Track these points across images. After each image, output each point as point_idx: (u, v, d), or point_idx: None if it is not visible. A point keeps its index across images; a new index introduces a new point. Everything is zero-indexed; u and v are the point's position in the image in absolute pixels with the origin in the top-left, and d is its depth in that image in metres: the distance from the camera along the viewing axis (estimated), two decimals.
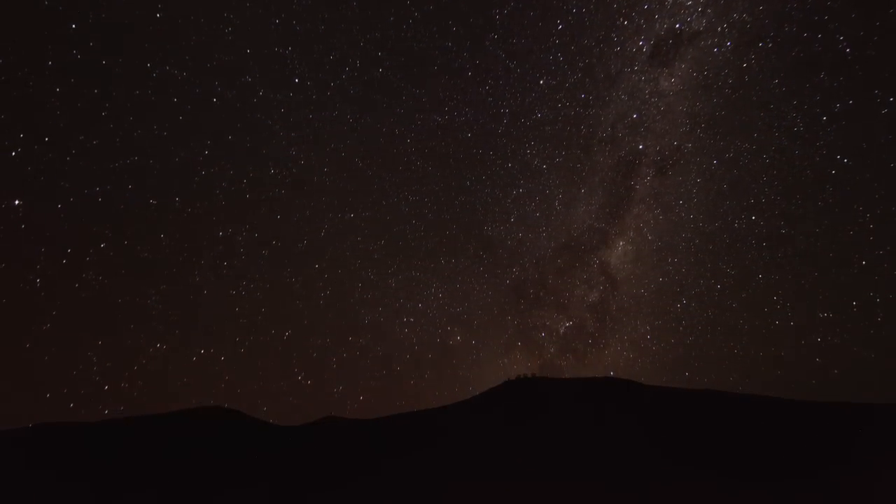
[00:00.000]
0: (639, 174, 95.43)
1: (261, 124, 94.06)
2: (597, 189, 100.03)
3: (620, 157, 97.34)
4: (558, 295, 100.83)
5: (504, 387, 36.88)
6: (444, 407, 36.55)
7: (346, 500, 23.78)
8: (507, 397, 34.05)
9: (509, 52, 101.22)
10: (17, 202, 68.00)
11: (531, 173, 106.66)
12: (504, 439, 28.97)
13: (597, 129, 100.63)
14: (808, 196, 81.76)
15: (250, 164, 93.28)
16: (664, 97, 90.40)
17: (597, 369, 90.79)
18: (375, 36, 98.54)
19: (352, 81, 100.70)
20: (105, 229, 79.54)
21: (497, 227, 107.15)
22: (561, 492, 22.98)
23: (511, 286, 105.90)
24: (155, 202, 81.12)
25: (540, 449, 27.59)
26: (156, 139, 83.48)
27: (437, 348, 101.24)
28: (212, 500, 24.75)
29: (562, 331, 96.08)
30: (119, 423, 33.98)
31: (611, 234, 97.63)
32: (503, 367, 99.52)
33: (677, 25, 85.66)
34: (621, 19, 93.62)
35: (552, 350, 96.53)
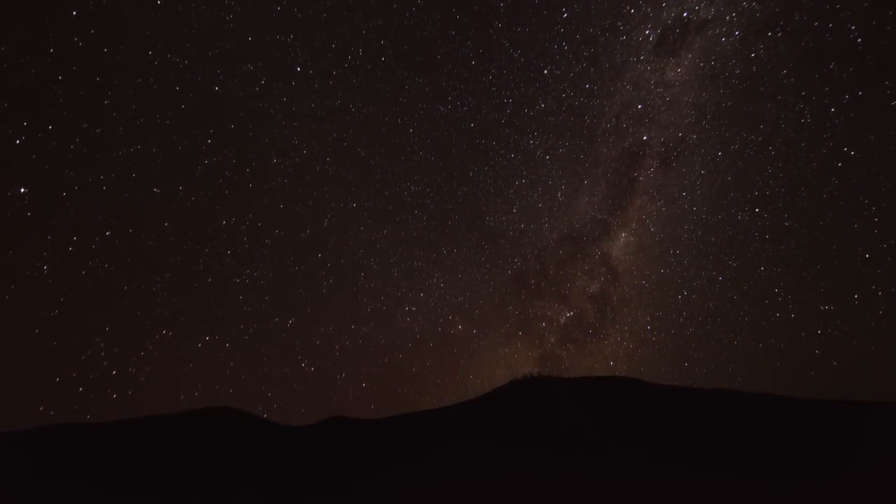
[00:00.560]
0: (642, 165, 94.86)
1: (263, 113, 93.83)
2: (600, 180, 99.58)
3: (624, 147, 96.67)
4: (559, 285, 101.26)
5: (510, 386, 37.19)
6: (449, 407, 36.95)
7: (348, 501, 24.06)
8: (514, 397, 34.31)
9: (513, 41, 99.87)
10: (22, 190, 68.70)
11: (534, 164, 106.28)
12: (510, 440, 29.20)
13: (601, 119, 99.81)
14: (813, 189, 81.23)
15: (253, 153, 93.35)
16: (670, 87, 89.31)
17: (597, 359, 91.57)
18: (378, 24, 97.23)
19: (354, 70, 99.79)
20: (110, 217, 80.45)
21: (499, 217, 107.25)
22: (565, 493, 23.16)
23: (512, 276, 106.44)
24: (158, 191, 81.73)
25: (546, 449, 27.79)
26: (158, 128, 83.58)
27: (439, 337, 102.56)
28: (216, 500, 25.04)
29: (562, 321, 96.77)
30: (127, 423, 34.30)
31: (613, 225, 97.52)
32: (504, 355, 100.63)
33: (685, 14, 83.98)
34: (628, 7, 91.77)
35: (552, 340, 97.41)
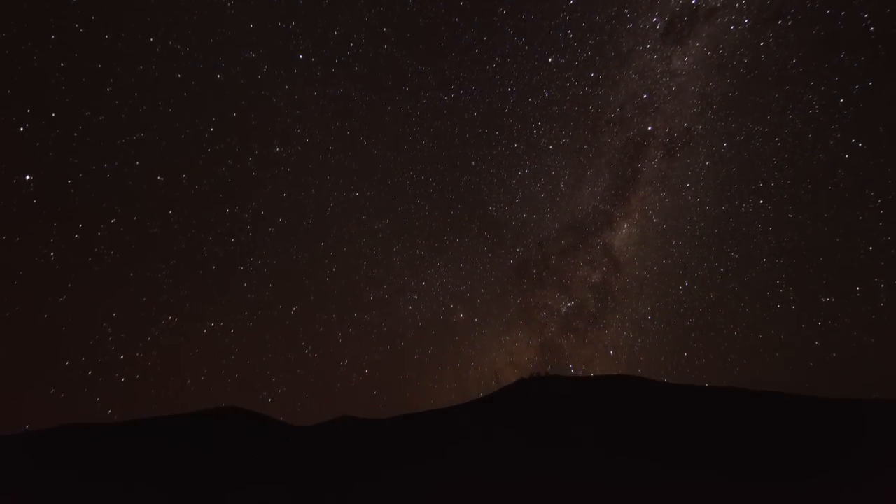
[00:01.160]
0: (646, 156, 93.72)
1: (265, 101, 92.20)
2: (603, 171, 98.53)
3: (628, 138, 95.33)
4: (561, 275, 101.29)
5: (517, 386, 37.50)
6: (455, 406, 37.27)
7: (353, 501, 24.37)
8: (520, 397, 34.59)
9: (518, 29, 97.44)
10: (27, 177, 68.14)
11: (537, 154, 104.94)
12: (518, 440, 29.56)
13: (605, 109, 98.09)
14: (818, 180, 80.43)
15: (255, 141, 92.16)
16: (676, 77, 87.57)
17: (597, 348, 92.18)
18: (380, 10, 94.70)
19: (356, 58, 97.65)
20: (115, 205, 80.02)
21: (501, 207, 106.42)
22: (571, 493, 23.54)
23: (514, 266, 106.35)
24: (162, 179, 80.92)
25: (552, 450, 28.15)
26: (160, 116, 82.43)
27: (441, 325, 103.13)
28: (222, 499, 25.37)
29: (563, 310, 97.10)
30: (138, 423, 34.63)
31: (616, 216, 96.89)
32: (505, 344, 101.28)
33: (693, 1, 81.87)
34: None
35: (553, 329, 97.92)
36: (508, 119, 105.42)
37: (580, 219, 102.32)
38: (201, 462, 29.40)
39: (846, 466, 24.18)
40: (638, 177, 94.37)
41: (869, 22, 71.36)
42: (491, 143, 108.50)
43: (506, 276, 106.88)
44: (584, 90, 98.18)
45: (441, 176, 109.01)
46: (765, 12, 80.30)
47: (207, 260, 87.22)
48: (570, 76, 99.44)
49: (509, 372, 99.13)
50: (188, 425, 34.28)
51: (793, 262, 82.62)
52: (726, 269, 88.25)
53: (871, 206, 74.70)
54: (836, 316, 76.46)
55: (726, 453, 26.57)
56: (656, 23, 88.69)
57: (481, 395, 39.75)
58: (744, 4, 79.78)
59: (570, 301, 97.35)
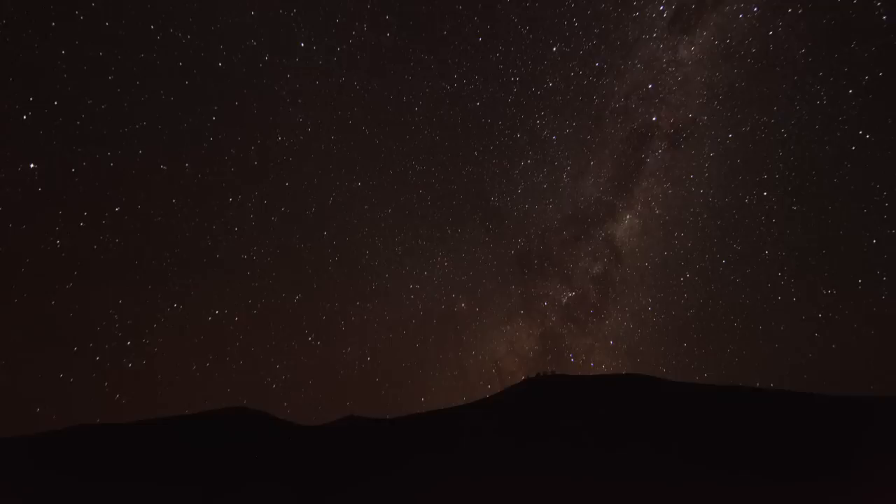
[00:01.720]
0: (650, 147, 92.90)
1: (267, 90, 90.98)
2: (606, 162, 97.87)
3: (632, 128, 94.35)
4: (562, 266, 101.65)
5: (525, 384, 37.84)
6: (462, 406, 37.67)
7: (359, 500, 24.76)
8: (528, 396, 34.96)
9: (522, 17, 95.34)
10: (32, 165, 67.95)
11: (540, 144, 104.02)
12: (525, 441, 30.00)
13: (610, 99, 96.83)
14: (824, 172, 79.90)
15: (257, 130, 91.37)
16: (682, 66, 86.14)
17: (597, 338, 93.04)
18: None
19: (359, 46, 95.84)
20: (119, 193, 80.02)
21: (504, 198, 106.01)
22: (575, 493, 24.00)
23: (516, 256, 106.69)
24: (165, 168, 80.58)
25: (557, 450, 28.59)
26: (163, 104, 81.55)
27: (442, 314, 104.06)
28: (227, 498, 25.83)
29: (564, 301, 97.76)
30: (150, 423, 35.08)
31: (618, 207, 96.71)
32: (506, 333, 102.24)
33: None
34: None
35: (554, 319, 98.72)
36: (511, 109, 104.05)
37: (582, 210, 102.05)
38: (209, 462, 29.88)
39: (846, 465, 24.57)
40: (641, 168, 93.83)
41: (881, 10, 69.92)
42: (493, 133, 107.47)
43: (507, 267, 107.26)
44: (589, 80, 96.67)
45: (443, 166, 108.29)
46: (774, 0, 78.59)
47: (211, 248, 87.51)
48: (574, 65, 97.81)
49: (510, 361, 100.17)
50: (196, 426, 34.75)
51: (795, 254, 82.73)
52: (728, 261, 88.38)
53: (875, 199, 74.40)
54: (837, 308, 76.87)
55: (729, 453, 26.99)
56: (663, 11, 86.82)
57: (488, 394, 40.25)
58: None
59: (571, 291, 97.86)
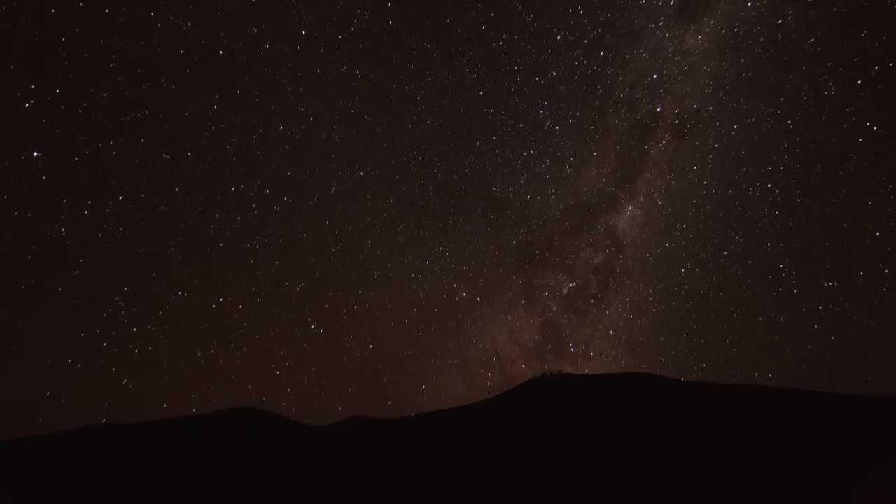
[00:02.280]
0: (654, 138, 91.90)
1: (268, 79, 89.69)
2: (609, 152, 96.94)
3: (637, 119, 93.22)
4: (564, 256, 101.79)
5: (529, 384, 38.27)
6: (467, 406, 38.11)
7: (365, 499, 25.19)
8: (533, 396, 35.37)
9: (526, 5, 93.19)
10: (35, 154, 67.76)
11: (543, 134, 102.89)
12: (530, 441, 30.50)
13: (614, 89, 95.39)
14: (829, 165, 79.25)
15: (259, 119, 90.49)
16: (688, 56, 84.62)
17: (597, 328, 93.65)
18: None
19: (361, 35, 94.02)
20: (122, 182, 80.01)
21: (506, 188, 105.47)
22: (579, 492, 24.50)
23: (517, 247, 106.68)
24: (168, 157, 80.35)
25: (562, 450, 29.08)
26: (164, 93, 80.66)
27: (443, 304, 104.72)
28: (229, 498, 26.35)
29: (565, 291, 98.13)
30: (158, 423, 35.58)
31: (620, 198, 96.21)
32: (506, 323, 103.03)
33: None
34: None
35: (554, 309, 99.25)
36: (514, 98, 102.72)
37: (584, 200, 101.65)
38: (215, 462, 30.34)
39: (846, 463, 24.98)
40: (644, 159, 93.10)
41: None
42: (496, 123, 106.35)
43: (509, 257, 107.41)
44: (594, 69, 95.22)
45: (445, 156, 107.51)
46: None
47: (214, 237, 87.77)
48: (578, 55, 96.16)
49: (510, 350, 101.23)
50: (204, 426, 35.24)
51: (797, 246, 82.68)
52: (730, 253, 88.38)
53: (881, 192, 73.98)
54: (838, 300, 77.17)
55: (729, 453, 27.43)
56: None
57: (491, 393, 40.67)
58: None
59: (572, 282, 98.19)
